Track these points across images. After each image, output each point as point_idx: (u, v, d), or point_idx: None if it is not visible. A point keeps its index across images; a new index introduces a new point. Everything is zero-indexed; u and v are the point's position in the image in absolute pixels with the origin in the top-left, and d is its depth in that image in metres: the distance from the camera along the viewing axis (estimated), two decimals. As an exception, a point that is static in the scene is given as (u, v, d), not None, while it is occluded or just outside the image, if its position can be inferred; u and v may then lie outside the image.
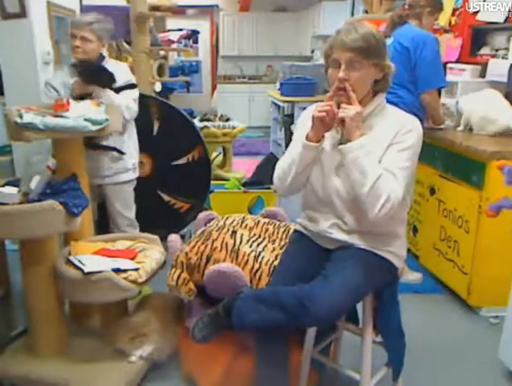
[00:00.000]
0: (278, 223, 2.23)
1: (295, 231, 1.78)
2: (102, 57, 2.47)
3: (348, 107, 1.46)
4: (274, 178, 1.68)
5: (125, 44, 4.20)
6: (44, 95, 2.43)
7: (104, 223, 2.71)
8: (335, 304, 1.41)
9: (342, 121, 1.47)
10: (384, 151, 1.50)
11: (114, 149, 2.46)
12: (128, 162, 2.58)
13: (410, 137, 1.51)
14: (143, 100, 3.04)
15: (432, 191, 2.89)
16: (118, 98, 2.36)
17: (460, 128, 2.92)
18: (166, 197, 3.21)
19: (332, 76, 1.52)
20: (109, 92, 2.34)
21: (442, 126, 2.93)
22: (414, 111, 2.38)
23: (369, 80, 1.52)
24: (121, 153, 2.48)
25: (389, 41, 2.58)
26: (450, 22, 3.47)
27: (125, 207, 2.63)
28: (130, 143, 2.59)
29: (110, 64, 2.49)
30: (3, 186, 1.92)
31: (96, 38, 2.37)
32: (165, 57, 4.65)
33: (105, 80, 2.38)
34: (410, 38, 2.57)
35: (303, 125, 1.64)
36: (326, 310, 1.40)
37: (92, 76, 2.35)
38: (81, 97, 2.29)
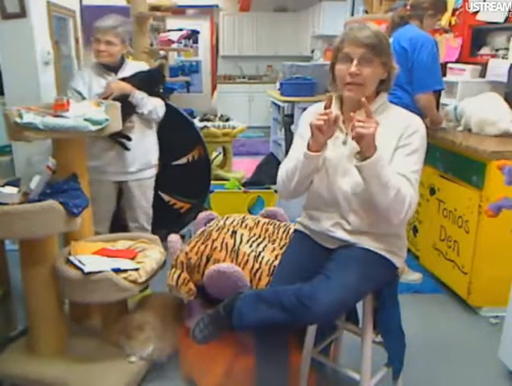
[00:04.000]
0: (278, 223, 2.23)
1: (296, 230, 1.79)
2: (123, 59, 2.54)
3: (367, 122, 1.38)
4: (278, 183, 1.67)
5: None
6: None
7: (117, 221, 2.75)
8: (335, 302, 1.41)
9: (359, 136, 1.38)
10: (392, 151, 1.50)
11: (121, 142, 2.47)
12: (152, 158, 2.67)
13: (416, 138, 1.51)
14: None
15: (432, 191, 2.89)
16: (152, 99, 2.49)
17: (460, 128, 2.92)
18: (166, 197, 3.21)
19: (341, 71, 1.51)
20: (145, 94, 2.44)
21: (441, 126, 2.93)
22: (413, 112, 2.37)
23: (376, 78, 1.53)
24: (126, 148, 2.50)
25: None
26: (450, 22, 3.47)
27: (147, 201, 2.71)
28: (154, 140, 2.69)
29: (131, 65, 2.55)
30: (3, 186, 1.92)
31: (120, 41, 2.43)
32: (165, 57, 4.66)
33: (159, 86, 2.56)
34: (409, 38, 2.57)
35: (304, 124, 1.63)
36: (326, 309, 1.40)
37: (152, 83, 2.51)
38: (114, 99, 2.32)
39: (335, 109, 1.57)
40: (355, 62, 1.46)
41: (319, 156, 1.52)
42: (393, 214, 1.47)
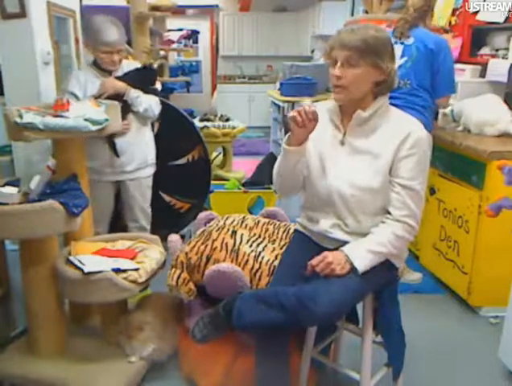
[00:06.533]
0: (278, 223, 2.23)
1: (295, 231, 1.79)
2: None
3: (320, 264, 1.48)
4: (273, 180, 1.70)
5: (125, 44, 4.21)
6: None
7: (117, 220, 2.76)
8: (335, 303, 1.41)
9: (329, 274, 1.47)
10: (391, 156, 1.49)
11: (113, 147, 2.46)
12: (149, 156, 2.66)
13: (419, 148, 1.50)
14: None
15: (432, 191, 2.89)
16: (147, 96, 2.47)
17: (460, 128, 2.92)
18: (166, 197, 3.20)
19: (330, 75, 1.52)
20: (140, 92, 2.44)
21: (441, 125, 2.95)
22: (429, 114, 2.41)
23: (366, 80, 1.49)
24: (117, 155, 2.49)
25: (409, 41, 2.54)
26: (450, 22, 3.47)
27: (145, 201, 2.70)
28: (151, 138, 2.68)
29: (126, 65, 2.55)
30: (3, 186, 1.92)
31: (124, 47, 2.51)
32: (165, 57, 4.66)
33: (152, 83, 2.55)
34: (434, 41, 2.52)
35: None
36: (326, 309, 1.40)
37: (145, 80, 2.51)
38: (109, 97, 2.31)
39: (336, 109, 1.58)
40: (338, 64, 1.48)
41: (297, 151, 1.53)
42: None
